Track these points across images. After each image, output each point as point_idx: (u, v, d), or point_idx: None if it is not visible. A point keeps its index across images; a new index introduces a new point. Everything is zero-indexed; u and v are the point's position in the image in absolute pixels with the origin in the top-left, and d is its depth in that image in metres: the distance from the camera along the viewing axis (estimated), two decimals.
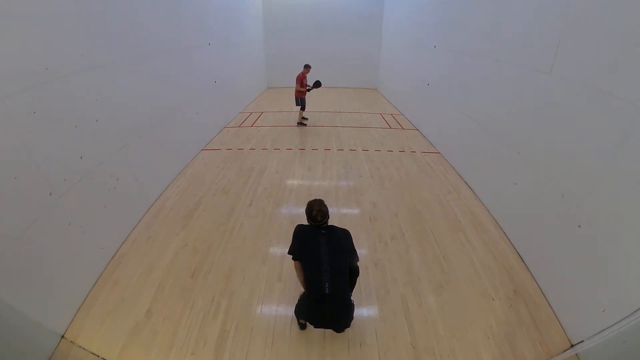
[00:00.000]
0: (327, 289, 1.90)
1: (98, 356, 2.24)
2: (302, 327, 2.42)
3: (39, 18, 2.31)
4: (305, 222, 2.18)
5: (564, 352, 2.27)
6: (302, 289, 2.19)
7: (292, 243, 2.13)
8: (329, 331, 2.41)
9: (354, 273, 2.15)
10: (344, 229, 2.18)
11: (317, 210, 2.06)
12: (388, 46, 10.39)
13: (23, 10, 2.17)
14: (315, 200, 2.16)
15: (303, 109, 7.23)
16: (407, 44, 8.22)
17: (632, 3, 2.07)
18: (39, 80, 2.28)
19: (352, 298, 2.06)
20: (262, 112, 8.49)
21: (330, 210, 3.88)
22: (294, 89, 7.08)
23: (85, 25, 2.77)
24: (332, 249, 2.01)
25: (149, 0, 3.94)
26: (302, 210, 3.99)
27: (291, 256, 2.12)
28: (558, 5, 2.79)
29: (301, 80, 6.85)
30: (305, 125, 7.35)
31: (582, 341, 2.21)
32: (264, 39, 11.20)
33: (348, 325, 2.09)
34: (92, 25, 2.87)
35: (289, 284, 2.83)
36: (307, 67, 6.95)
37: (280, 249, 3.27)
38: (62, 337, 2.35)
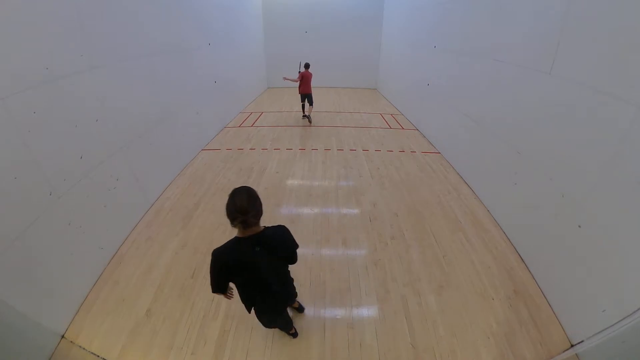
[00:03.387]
0: (273, 289, 1.72)
1: (98, 356, 2.24)
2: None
3: (39, 18, 2.31)
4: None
5: (564, 352, 2.27)
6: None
7: (213, 278, 1.64)
8: (329, 331, 2.41)
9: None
10: (280, 229, 1.66)
11: (240, 219, 1.41)
12: (388, 46, 10.39)
13: (23, 11, 2.17)
14: (240, 194, 1.45)
15: (311, 103, 7.39)
16: (407, 44, 8.21)
17: (632, 3, 2.07)
18: (39, 80, 2.28)
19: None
20: (262, 112, 8.48)
21: (331, 210, 3.94)
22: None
23: (85, 25, 2.77)
24: (274, 264, 1.65)
25: (149, 0, 3.94)
26: (302, 211, 4.07)
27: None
28: (558, 5, 2.79)
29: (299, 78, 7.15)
30: (306, 119, 7.53)
31: (582, 341, 2.21)
32: (264, 39, 11.20)
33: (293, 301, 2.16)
34: (92, 25, 2.87)
35: None
36: (306, 66, 7.17)
37: None
38: (62, 337, 2.35)
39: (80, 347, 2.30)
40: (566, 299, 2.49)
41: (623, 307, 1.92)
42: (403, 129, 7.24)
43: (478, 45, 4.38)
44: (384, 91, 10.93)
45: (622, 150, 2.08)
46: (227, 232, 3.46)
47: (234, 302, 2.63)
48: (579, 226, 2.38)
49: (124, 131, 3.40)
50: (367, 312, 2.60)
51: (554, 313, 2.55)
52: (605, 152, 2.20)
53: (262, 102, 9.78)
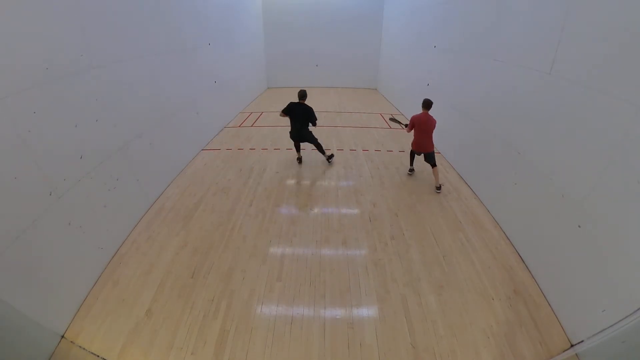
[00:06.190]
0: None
1: (98, 356, 2.24)
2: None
3: (39, 18, 2.31)
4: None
5: (564, 352, 2.27)
6: None
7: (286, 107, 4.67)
8: (329, 331, 2.42)
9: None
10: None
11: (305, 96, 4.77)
12: (388, 46, 10.39)
13: (23, 10, 2.17)
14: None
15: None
16: (407, 44, 8.21)
17: (632, 3, 2.07)
18: (39, 80, 2.28)
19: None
20: (262, 112, 8.48)
21: (331, 209, 3.95)
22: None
23: (85, 25, 2.77)
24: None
25: (149, 0, 3.94)
26: (302, 211, 4.07)
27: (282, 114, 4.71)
28: (558, 5, 2.79)
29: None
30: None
31: (582, 341, 2.21)
32: (264, 39, 11.20)
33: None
34: (92, 25, 2.87)
35: (289, 283, 2.84)
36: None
37: (281, 248, 3.27)
38: (62, 337, 2.35)
39: (80, 347, 2.30)
40: (566, 299, 2.49)
41: (623, 307, 1.92)
42: (403, 129, 7.23)
43: (478, 45, 4.38)
44: (384, 91, 10.93)
45: (622, 150, 2.07)
46: (227, 233, 3.47)
47: (234, 302, 2.65)
48: (579, 226, 2.38)
49: (124, 131, 3.40)
50: (367, 312, 2.60)
51: (554, 313, 2.55)
52: (605, 152, 2.20)
53: (262, 102, 9.78)
